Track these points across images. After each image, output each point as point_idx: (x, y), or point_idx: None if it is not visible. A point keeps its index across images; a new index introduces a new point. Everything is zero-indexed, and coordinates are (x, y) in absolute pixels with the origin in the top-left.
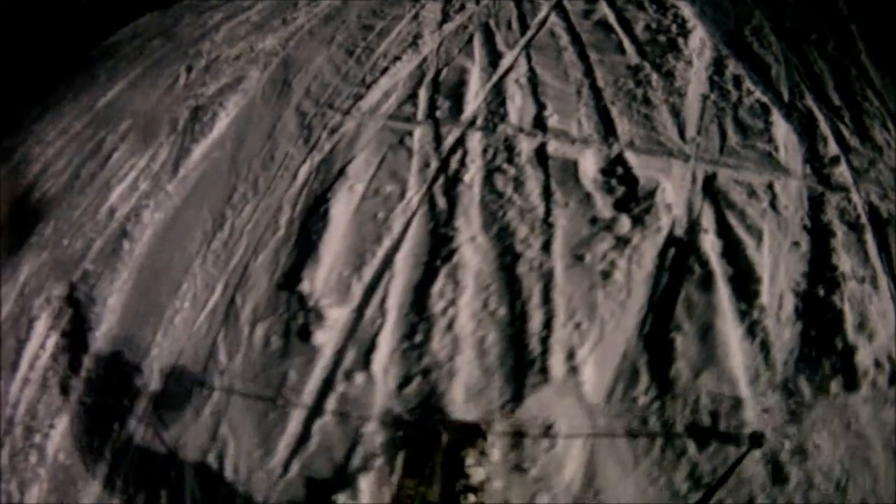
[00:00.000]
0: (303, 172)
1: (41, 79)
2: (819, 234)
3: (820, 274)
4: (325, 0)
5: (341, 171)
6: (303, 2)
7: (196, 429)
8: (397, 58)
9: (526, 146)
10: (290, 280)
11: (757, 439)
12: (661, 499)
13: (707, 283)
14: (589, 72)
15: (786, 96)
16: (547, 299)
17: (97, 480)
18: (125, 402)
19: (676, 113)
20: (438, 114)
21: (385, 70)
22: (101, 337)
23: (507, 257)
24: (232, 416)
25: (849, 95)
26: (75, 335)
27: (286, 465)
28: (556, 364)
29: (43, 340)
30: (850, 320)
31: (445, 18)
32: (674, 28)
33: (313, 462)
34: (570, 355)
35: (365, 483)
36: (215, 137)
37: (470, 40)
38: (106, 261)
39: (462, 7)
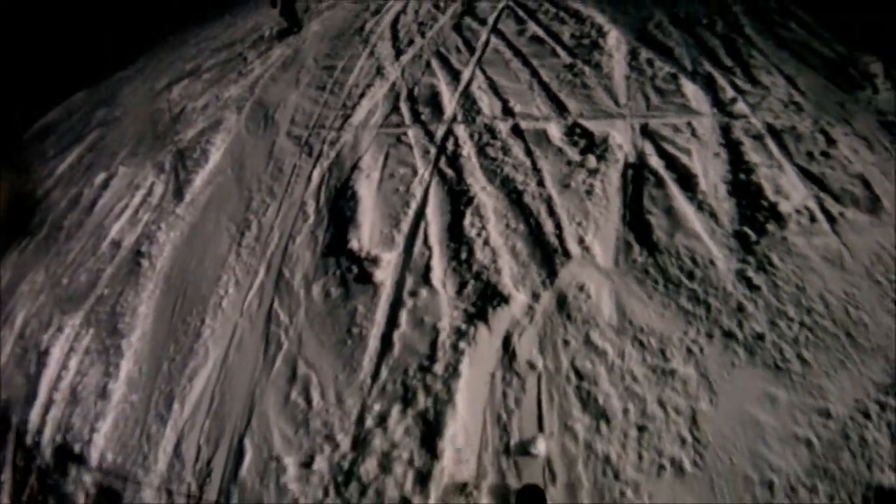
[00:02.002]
0: (316, 175)
1: None
2: (732, 146)
3: (738, 167)
4: (275, 50)
5: (354, 167)
6: (252, 56)
7: (274, 377)
8: (369, 85)
9: (503, 127)
10: (334, 247)
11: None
12: (676, 316)
13: (660, 184)
14: (535, 73)
15: (689, 66)
16: (552, 212)
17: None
18: (184, 384)
19: (609, 90)
20: (423, 118)
21: (362, 95)
22: (136, 341)
23: (513, 195)
24: (307, 356)
25: (738, 58)
26: (105, 348)
27: (375, 373)
28: (573, 247)
29: (62, 365)
30: (768, 188)
31: (399, 52)
32: (593, 33)
33: (400, 363)
34: (581, 241)
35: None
36: (212, 167)
37: (429, 64)
38: (124, 280)
39: (411, 41)
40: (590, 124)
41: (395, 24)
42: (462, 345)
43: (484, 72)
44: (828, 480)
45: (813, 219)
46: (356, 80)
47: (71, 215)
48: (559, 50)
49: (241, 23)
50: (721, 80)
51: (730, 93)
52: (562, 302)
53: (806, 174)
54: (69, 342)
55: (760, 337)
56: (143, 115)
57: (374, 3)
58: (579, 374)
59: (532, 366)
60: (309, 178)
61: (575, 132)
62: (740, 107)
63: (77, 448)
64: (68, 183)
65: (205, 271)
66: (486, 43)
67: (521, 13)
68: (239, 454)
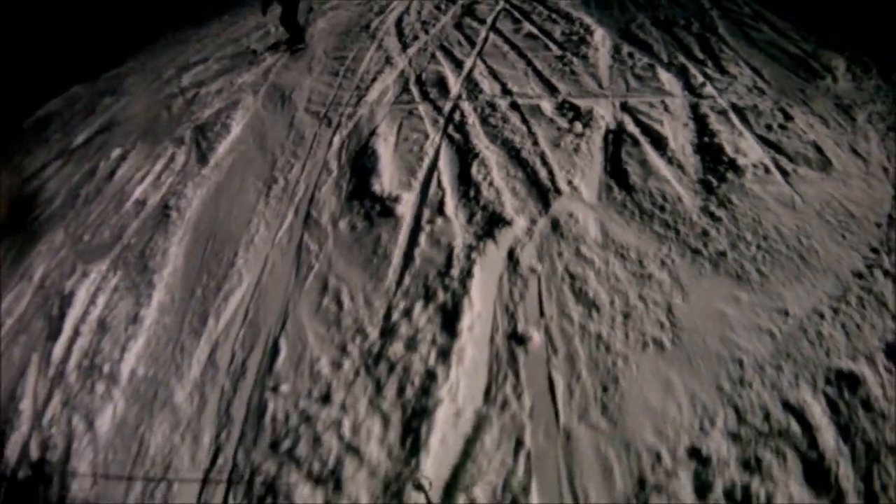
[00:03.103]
0: (336, 140)
1: None
2: (699, 119)
3: (703, 134)
4: (282, 47)
5: (371, 133)
6: (261, 48)
7: (306, 290)
8: (379, 72)
9: (502, 103)
10: (358, 192)
11: None
12: (651, 237)
13: (636, 144)
14: (529, 63)
15: (665, 59)
16: (545, 163)
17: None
18: (218, 304)
19: (594, 76)
20: (431, 97)
21: (374, 79)
22: (167, 275)
23: (512, 151)
24: (337, 272)
25: (710, 52)
26: (134, 284)
27: (399, 280)
28: (564, 187)
29: (89, 302)
30: (729, 149)
31: (405, 46)
32: (581, 31)
33: (421, 271)
34: (570, 183)
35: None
36: (234, 137)
37: (434, 56)
38: (152, 230)
39: (416, 37)
40: (577, 101)
41: (399, 22)
42: (474, 255)
43: (484, 61)
44: (791, 362)
45: (768, 171)
46: (367, 68)
47: (87, 185)
48: (551, 45)
49: (243, 21)
50: (693, 70)
51: (700, 79)
52: (555, 225)
53: (763, 140)
54: (95, 284)
55: (723, 254)
56: (153, 100)
57: (378, 4)
58: (572, 276)
59: (533, 270)
60: (330, 143)
61: (564, 107)
62: (708, 90)
63: (106, 368)
64: (80, 159)
65: (234, 217)
66: (486, 39)
67: (516, 14)
68: (273, 353)
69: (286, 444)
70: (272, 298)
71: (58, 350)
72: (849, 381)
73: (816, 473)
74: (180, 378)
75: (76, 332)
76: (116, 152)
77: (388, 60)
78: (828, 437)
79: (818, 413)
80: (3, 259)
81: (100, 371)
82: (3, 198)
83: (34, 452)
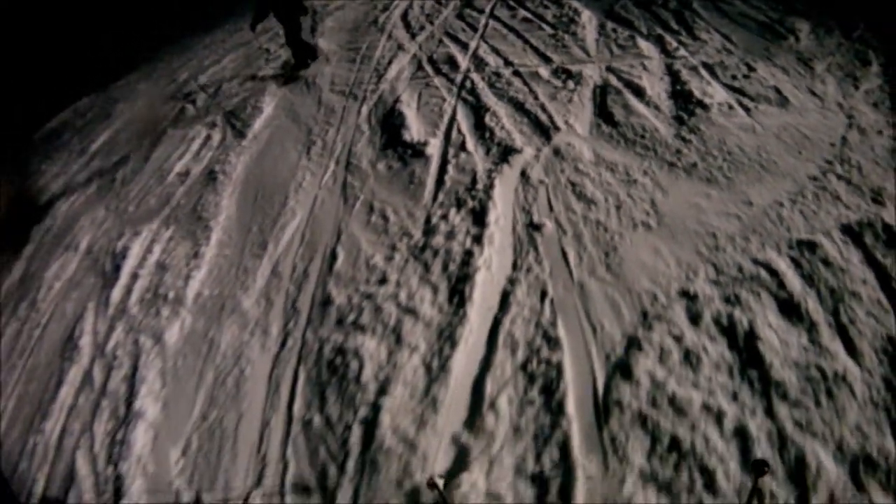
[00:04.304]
0: (364, 109)
1: None
2: (673, 74)
3: (676, 84)
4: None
5: (395, 101)
6: (274, 46)
7: (355, 213)
8: (393, 57)
9: (505, 72)
10: (390, 142)
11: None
12: (635, 156)
13: (619, 93)
14: (526, 41)
15: (644, 31)
16: (545, 110)
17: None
18: (276, 233)
19: (583, 48)
20: (444, 72)
21: (389, 63)
22: (223, 220)
23: (517, 105)
24: (381, 198)
25: (684, 24)
26: (190, 232)
27: (434, 197)
28: (561, 125)
29: (145, 252)
30: (697, 93)
31: (414, 35)
32: (570, 13)
33: (452, 189)
34: (566, 122)
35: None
36: (268, 115)
37: (441, 41)
38: (200, 192)
39: (422, 27)
40: (569, 67)
41: (405, 16)
42: (493, 175)
43: (487, 42)
44: (757, 235)
45: (731, 108)
46: (381, 54)
47: (122, 170)
48: (544, 25)
49: (247, 28)
50: (668, 38)
51: (674, 45)
52: (556, 151)
53: (729, 87)
54: (149, 238)
55: (694, 165)
56: (173, 98)
57: (381, 2)
58: (573, 184)
59: (541, 181)
60: (359, 112)
61: (558, 72)
62: (681, 53)
63: (171, 295)
64: (107, 153)
65: (280, 173)
66: (486, 24)
67: (511, 3)
68: (332, 259)
69: (351, 318)
70: (325, 222)
71: (116, 293)
72: (809, 246)
73: (789, 307)
74: (246, 290)
75: (135, 276)
76: (146, 141)
77: (400, 47)
78: (794, 282)
79: (783, 266)
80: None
81: (164, 298)
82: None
83: (98, 377)
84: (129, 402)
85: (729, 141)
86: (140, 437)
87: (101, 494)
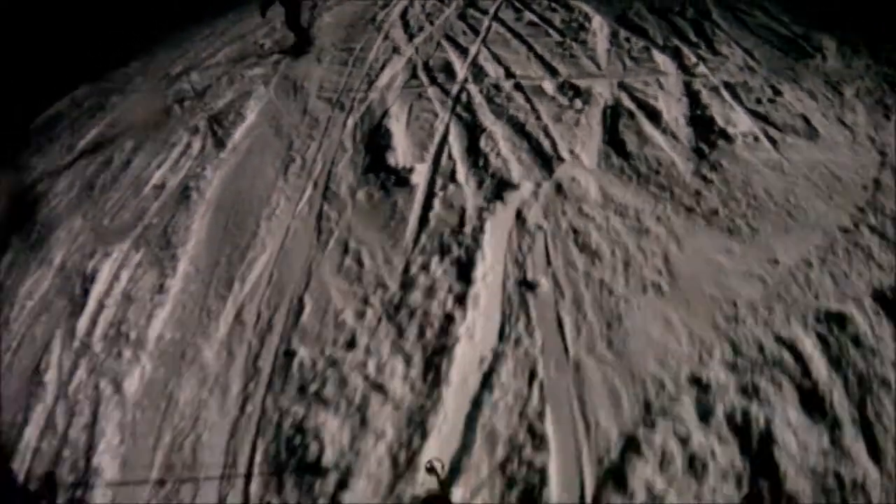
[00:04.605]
0: (350, 122)
1: None
2: (692, 94)
3: (695, 107)
4: (288, 42)
5: (383, 115)
6: (269, 42)
7: (328, 252)
8: (388, 60)
9: (506, 84)
10: (373, 167)
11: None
12: (648, 197)
13: (632, 116)
14: (531, 48)
15: (660, 42)
16: (548, 135)
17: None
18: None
19: (592, 59)
20: (439, 81)
21: (382, 67)
22: (191, 248)
23: (517, 126)
24: (357, 235)
25: (703, 36)
26: (157, 259)
27: (416, 240)
28: (566, 155)
29: (113, 277)
30: (720, 120)
31: (412, 36)
32: (580, 19)
33: (436, 231)
34: (571, 152)
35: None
36: (249, 124)
37: (439, 44)
38: (173, 209)
39: (421, 28)
40: (577, 82)
41: (404, 14)
42: (485, 214)
43: (488, 48)
44: (782, 303)
45: (757, 140)
46: (375, 57)
47: (103, 175)
48: (551, 31)
49: (249, 18)
50: (686, 51)
51: (693, 60)
52: (559, 187)
53: (753, 113)
54: (118, 262)
55: (715, 211)
56: (163, 95)
57: None
58: (575, 231)
59: (539, 226)
60: (344, 125)
61: (565, 87)
62: (701, 69)
63: (133, 335)
64: (94, 153)
65: (255, 194)
66: (489, 27)
67: (517, 4)
68: (298, 309)
69: (313, 388)
70: (295, 262)
71: (82, 323)
72: (837, 320)
73: (811, 401)
74: (207, 338)
75: (101, 306)
76: (130, 144)
77: (396, 50)
78: (820, 367)
79: (809, 347)
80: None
81: (126, 338)
82: (6, 195)
83: (60, 421)
84: (88, 456)
85: (754, 182)
86: (98, 498)
87: None
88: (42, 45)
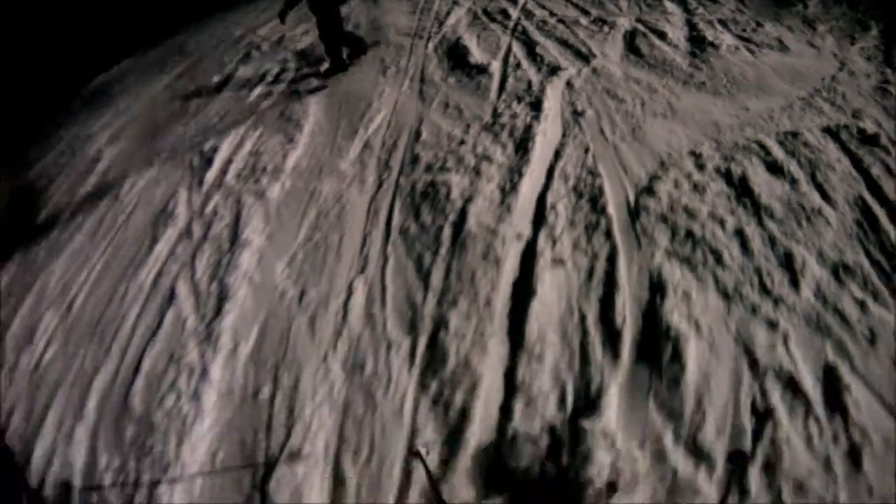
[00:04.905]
0: (430, 45)
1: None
2: (691, 25)
3: (693, 31)
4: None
5: (457, 39)
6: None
7: (433, 108)
8: (450, 10)
9: (551, 20)
10: (457, 65)
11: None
12: (657, 76)
13: (645, 36)
14: (568, 1)
15: None
16: (584, 45)
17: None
18: (364, 123)
19: (616, 5)
20: (498, 20)
21: (447, 14)
22: (312, 120)
23: (561, 41)
24: (453, 98)
25: None
26: (280, 127)
27: (498, 97)
28: (598, 54)
29: (236, 147)
30: (709, 37)
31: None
32: None
33: (512, 92)
34: (602, 52)
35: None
36: None
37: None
38: (283, 104)
39: None
40: (605, 18)
41: None
42: (545, 82)
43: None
44: (751, 127)
45: (738, 49)
46: (438, 8)
47: (196, 99)
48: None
49: None
50: (690, 1)
51: (695, 5)
52: (594, 70)
53: (738, 36)
54: (238, 137)
55: (703, 83)
56: (233, 48)
57: None
58: (607, 90)
59: (582, 88)
60: (426, 46)
61: (596, 21)
62: (700, 11)
63: (270, 167)
64: (177, 88)
65: (360, 88)
66: None
67: None
68: (417, 134)
69: (437, 165)
70: (407, 115)
71: (210, 175)
72: (792, 134)
73: (774, 167)
74: (341, 158)
75: (229, 162)
76: (216, 78)
77: (455, 2)
78: (779, 153)
79: (771, 143)
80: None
81: (263, 170)
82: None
83: (196, 231)
84: (233, 240)
85: (734, 70)
86: (246, 259)
87: (200, 308)
88: (87, 15)
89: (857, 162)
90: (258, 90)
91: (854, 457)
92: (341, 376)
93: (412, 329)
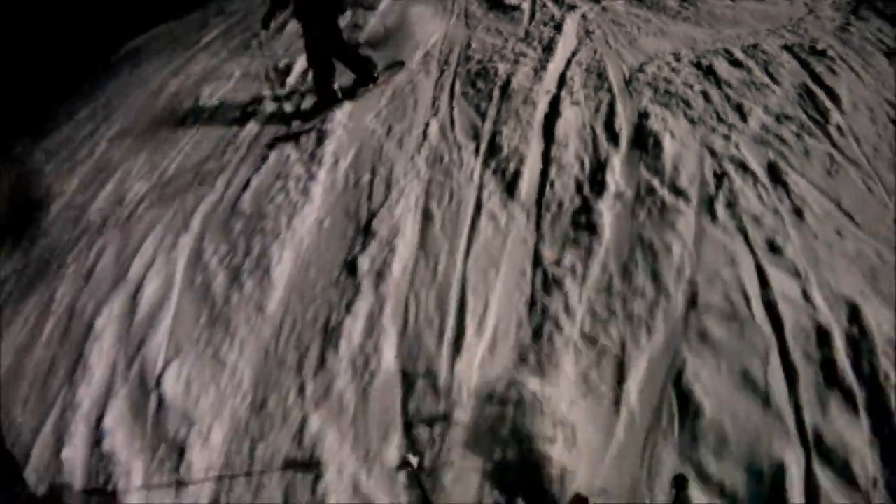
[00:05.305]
0: None
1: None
2: None
3: None
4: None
5: None
6: None
7: (476, 34)
8: None
9: None
10: (494, 6)
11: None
12: (650, 13)
13: None
14: None
15: None
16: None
17: None
18: None
19: None
20: None
21: None
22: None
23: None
24: (494, 25)
25: None
26: None
27: (528, 25)
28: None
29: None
30: None
31: None
32: None
33: (539, 21)
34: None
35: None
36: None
37: None
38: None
39: None
40: None
41: None
42: (565, 15)
43: None
44: (721, 42)
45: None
46: None
47: (258, 38)
48: None
49: None
50: None
51: None
52: (603, 8)
53: None
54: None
55: (688, 18)
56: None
57: None
58: (612, 21)
59: (593, 19)
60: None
61: None
62: None
63: None
64: (230, 33)
65: (408, 24)
66: None
67: None
68: (467, 46)
69: (486, 59)
70: (457, 35)
71: (291, 79)
72: (754, 46)
73: (735, 62)
74: (409, 60)
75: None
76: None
77: None
78: (740, 55)
79: (735, 51)
80: None
81: None
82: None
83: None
84: None
85: (716, 11)
86: (338, 114)
87: (306, 146)
88: None
89: (805, 64)
90: None
91: (798, 212)
92: (425, 166)
93: (475, 137)
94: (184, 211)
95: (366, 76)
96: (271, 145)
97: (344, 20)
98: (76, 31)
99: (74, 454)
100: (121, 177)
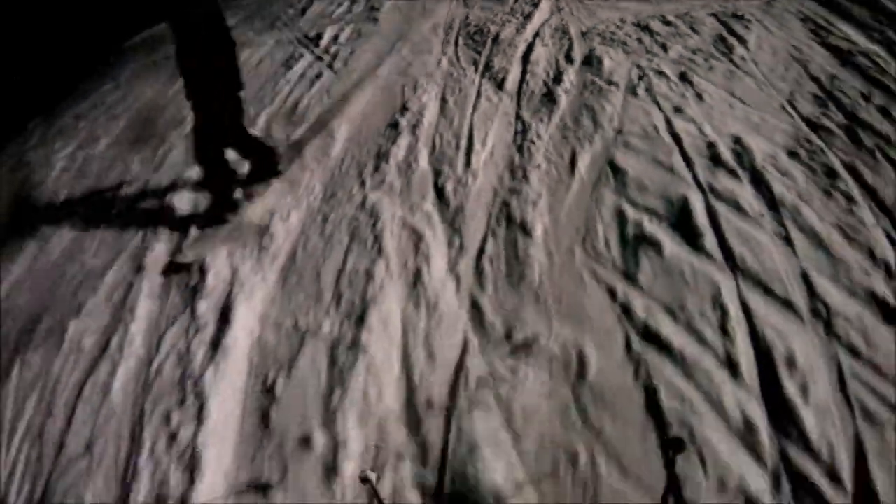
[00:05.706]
0: None
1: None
2: None
3: None
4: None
5: None
6: None
7: (474, 10)
8: None
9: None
10: None
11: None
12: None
13: None
14: None
15: None
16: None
17: None
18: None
19: None
20: None
21: None
22: (384, 17)
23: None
24: (485, 7)
25: None
26: (362, 28)
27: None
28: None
29: (336, 33)
30: None
31: None
32: None
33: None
34: None
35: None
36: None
37: None
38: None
39: None
40: None
41: None
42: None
43: None
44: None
45: None
46: None
47: (283, 14)
48: None
49: None
50: None
51: None
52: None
53: None
54: (334, 32)
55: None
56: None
57: None
58: (580, 1)
59: (566, 8)
60: None
61: None
62: None
63: (363, 29)
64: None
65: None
66: None
67: None
68: (465, 21)
69: (481, 24)
70: (459, 12)
71: (323, 42)
72: (686, 13)
73: (668, 23)
74: (418, 27)
75: (334, 40)
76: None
77: None
78: (672, 18)
79: (672, 17)
80: None
81: (358, 34)
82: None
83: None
84: (352, 51)
85: None
86: (361, 49)
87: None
88: None
89: (724, 24)
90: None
91: (699, 96)
92: (440, 79)
93: (475, 63)
94: None
95: (263, 168)
96: None
97: (360, 4)
98: (78, 29)
99: None
100: None
